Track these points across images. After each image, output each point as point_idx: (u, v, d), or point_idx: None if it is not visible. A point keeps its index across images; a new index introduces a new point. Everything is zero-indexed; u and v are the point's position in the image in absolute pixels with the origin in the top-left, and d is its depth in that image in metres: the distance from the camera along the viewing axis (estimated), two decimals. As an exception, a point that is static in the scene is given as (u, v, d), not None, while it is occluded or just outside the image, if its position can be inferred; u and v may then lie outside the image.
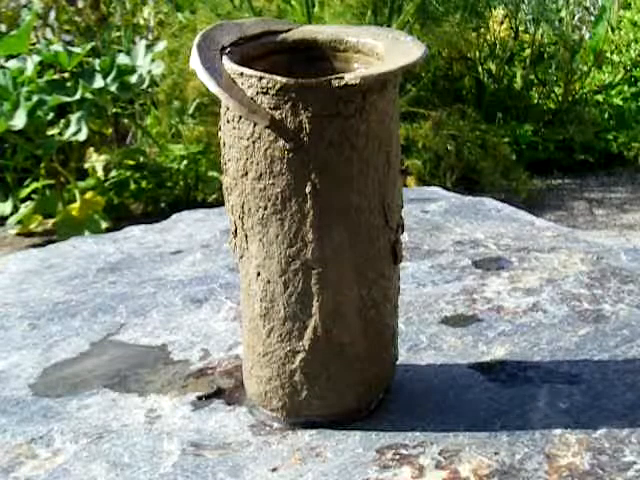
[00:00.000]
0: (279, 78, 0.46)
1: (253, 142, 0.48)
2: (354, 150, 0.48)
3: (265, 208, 0.49)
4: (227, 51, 0.49)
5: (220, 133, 0.50)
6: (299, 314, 0.50)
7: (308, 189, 0.48)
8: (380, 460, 0.49)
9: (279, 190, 0.48)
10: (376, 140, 0.48)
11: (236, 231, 0.51)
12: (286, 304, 0.50)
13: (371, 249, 0.50)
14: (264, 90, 0.46)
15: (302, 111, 0.46)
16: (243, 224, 0.50)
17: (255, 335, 0.53)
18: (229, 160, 0.50)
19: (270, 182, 0.48)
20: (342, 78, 0.46)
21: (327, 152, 0.47)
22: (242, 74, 0.47)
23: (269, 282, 0.50)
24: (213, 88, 0.46)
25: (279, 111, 0.46)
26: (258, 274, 0.51)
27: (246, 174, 0.49)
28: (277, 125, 0.47)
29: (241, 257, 0.52)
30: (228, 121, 0.49)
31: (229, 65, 0.47)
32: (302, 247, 0.49)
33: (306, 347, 0.51)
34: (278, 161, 0.47)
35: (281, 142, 0.47)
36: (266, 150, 0.48)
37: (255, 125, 0.47)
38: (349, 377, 0.52)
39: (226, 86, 0.46)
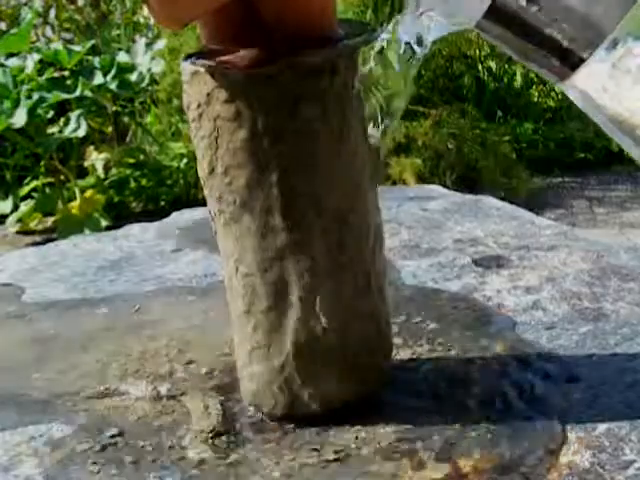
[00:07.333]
0: (229, 72, 0.46)
1: (215, 138, 0.48)
2: (316, 135, 0.47)
3: (234, 202, 0.49)
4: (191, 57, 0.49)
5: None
6: (280, 305, 0.50)
7: (274, 177, 0.47)
8: (380, 454, 0.49)
9: (244, 181, 0.48)
10: (338, 121, 0.48)
11: (216, 231, 0.51)
12: (267, 296, 0.50)
13: (345, 233, 0.50)
14: (218, 85, 0.46)
15: (257, 101, 0.46)
16: (220, 221, 0.50)
17: (242, 333, 0.52)
18: (197, 163, 0.50)
19: (236, 174, 0.48)
20: (293, 64, 0.46)
21: (288, 139, 0.47)
22: (196, 72, 0.47)
23: (247, 275, 0.50)
24: None
25: (235, 103, 0.46)
26: (237, 269, 0.50)
27: (213, 170, 0.49)
28: (236, 117, 0.47)
29: (224, 256, 0.52)
30: (193, 120, 0.49)
31: (185, 65, 0.48)
32: (274, 236, 0.48)
33: (292, 338, 0.50)
34: (240, 152, 0.47)
35: (241, 133, 0.47)
36: (228, 143, 0.47)
37: (215, 120, 0.47)
38: (340, 365, 0.52)
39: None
